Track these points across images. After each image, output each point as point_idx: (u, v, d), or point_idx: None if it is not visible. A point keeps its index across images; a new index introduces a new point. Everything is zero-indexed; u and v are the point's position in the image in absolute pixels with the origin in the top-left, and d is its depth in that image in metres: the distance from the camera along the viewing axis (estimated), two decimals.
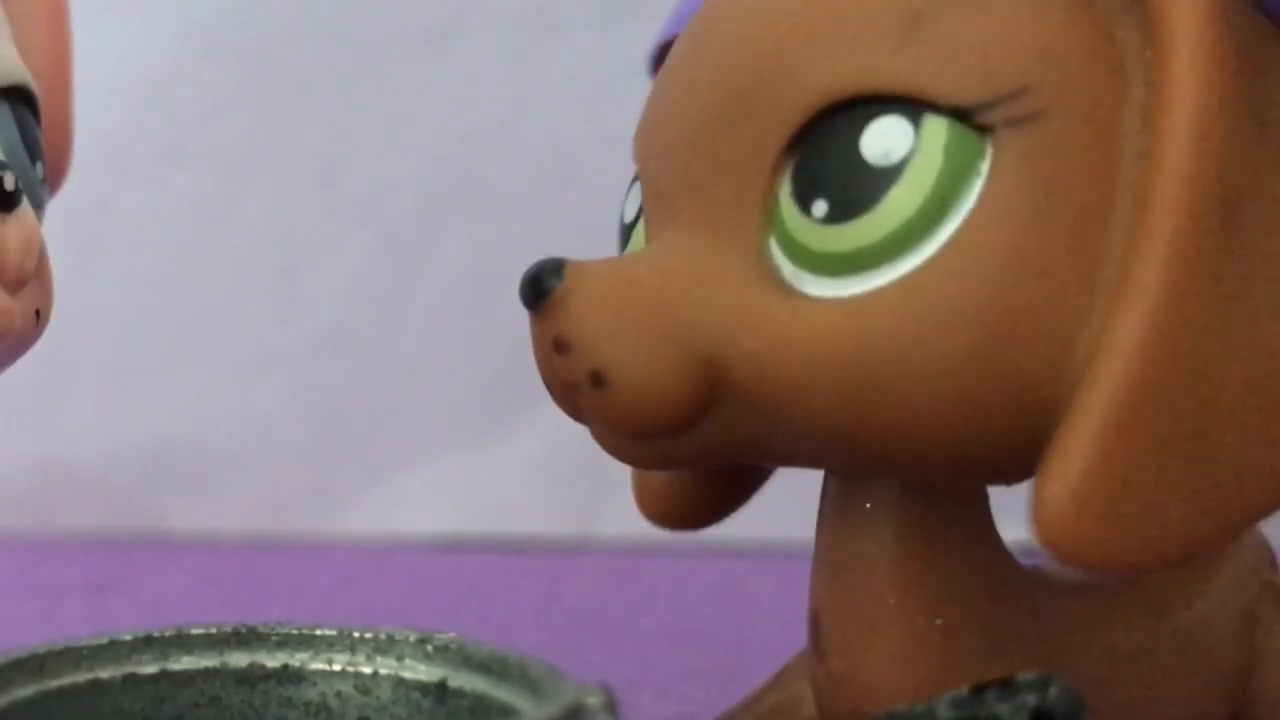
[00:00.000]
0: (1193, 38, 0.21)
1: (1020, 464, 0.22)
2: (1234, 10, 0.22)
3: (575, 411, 0.24)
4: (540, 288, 0.23)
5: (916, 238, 0.22)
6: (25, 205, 0.28)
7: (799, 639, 0.26)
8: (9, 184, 0.27)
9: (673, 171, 0.24)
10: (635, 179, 0.25)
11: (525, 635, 0.43)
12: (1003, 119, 0.22)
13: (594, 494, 0.54)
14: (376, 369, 0.57)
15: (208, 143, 0.56)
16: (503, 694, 0.23)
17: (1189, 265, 0.21)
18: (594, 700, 0.21)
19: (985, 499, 0.25)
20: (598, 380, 0.23)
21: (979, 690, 0.22)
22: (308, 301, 0.57)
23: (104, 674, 0.24)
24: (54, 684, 0.24)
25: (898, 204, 0.22)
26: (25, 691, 0.23)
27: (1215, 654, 0.26)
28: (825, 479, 0.26)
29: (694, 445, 0.24)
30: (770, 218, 0.23)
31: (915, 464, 0.23)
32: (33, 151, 0.29)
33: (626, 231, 0.26)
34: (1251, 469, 0.21)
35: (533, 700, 0.22)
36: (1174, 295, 0.21)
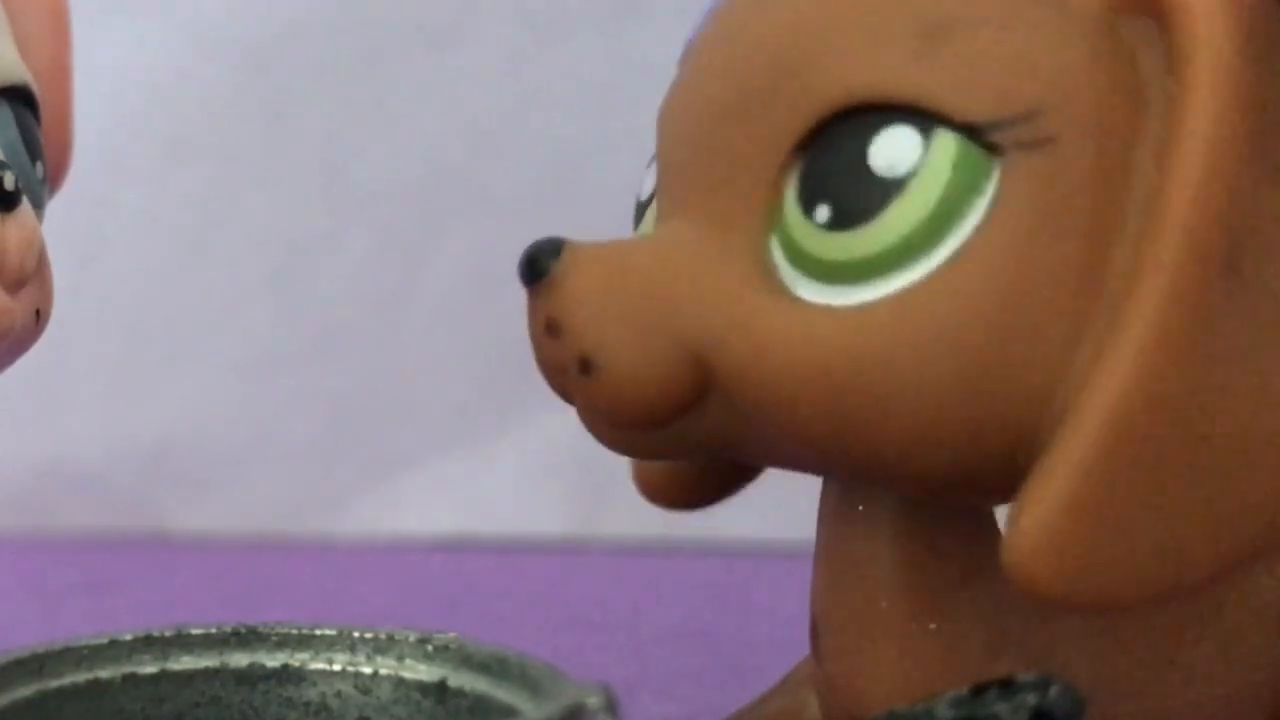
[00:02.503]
0: (1218, 74, 0.21)
1: (1002, 489, 0.22)
2: (1264, 48, 0.21)
3: (565, 394, 0.24)
4: (537, 267, 0.23)
5: (916, 253, 0.22)
6: (25, 205, 0.28)
7: (799, 639, 0.26)
8: (9, 184, 0.27)
9: (685, 159, 0.24)
10: (654, 158, 0.25)
11: (525, 635, 0.43)
12: (1013, 140, 0.22)
13: (594, 494, 0.54)
14: (376, 369, 0.57)
15: (208, 143, 0.56)
16: (503, 694, 0.23)
17: (1185, 309, 0.21)
18: (594, 700, 0.21)
19: None
20: (586, 366, 0.23)
21: (979, 690, 0.22)
22: (308, 301, 0.57)
23: (104, 674, 0.24)
24: (54, 684, 0.24)
25: (900, 217, 0.22)
26: (25, 691, 0.23)
27: (1251, 665, 0.25)
28: (824, 481, 0.26)
29: (679, 439, 0.23)
30: (774, 217, 0.23)
31: (895, 479, 0.23)
32: (33, 151, 0.29)
33: (641, 209, 0.25)
34: (1226, 517, 0.21)
35: (533, 700, 0.22)
36: (1167, 338, 0.21)
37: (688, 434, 0.23)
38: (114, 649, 0.24)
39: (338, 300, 0.57)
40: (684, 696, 0.37)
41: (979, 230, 0.22)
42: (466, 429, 0.56)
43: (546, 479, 0.55)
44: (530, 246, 0.23)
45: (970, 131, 0.22)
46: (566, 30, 0.55)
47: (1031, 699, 0.21)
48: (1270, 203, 0.21)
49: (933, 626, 0.24)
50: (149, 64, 0.56)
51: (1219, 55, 0.21)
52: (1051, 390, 0.21)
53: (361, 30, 0.56)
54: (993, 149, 0.22)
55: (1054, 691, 0.21)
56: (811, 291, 0.22)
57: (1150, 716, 0.25)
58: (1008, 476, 0.22)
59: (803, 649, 0.26)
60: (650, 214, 0.25)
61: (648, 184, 0.25)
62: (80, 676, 0.24)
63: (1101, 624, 0.25)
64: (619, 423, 0.23)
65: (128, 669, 0.24)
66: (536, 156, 0.56)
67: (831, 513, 0.25)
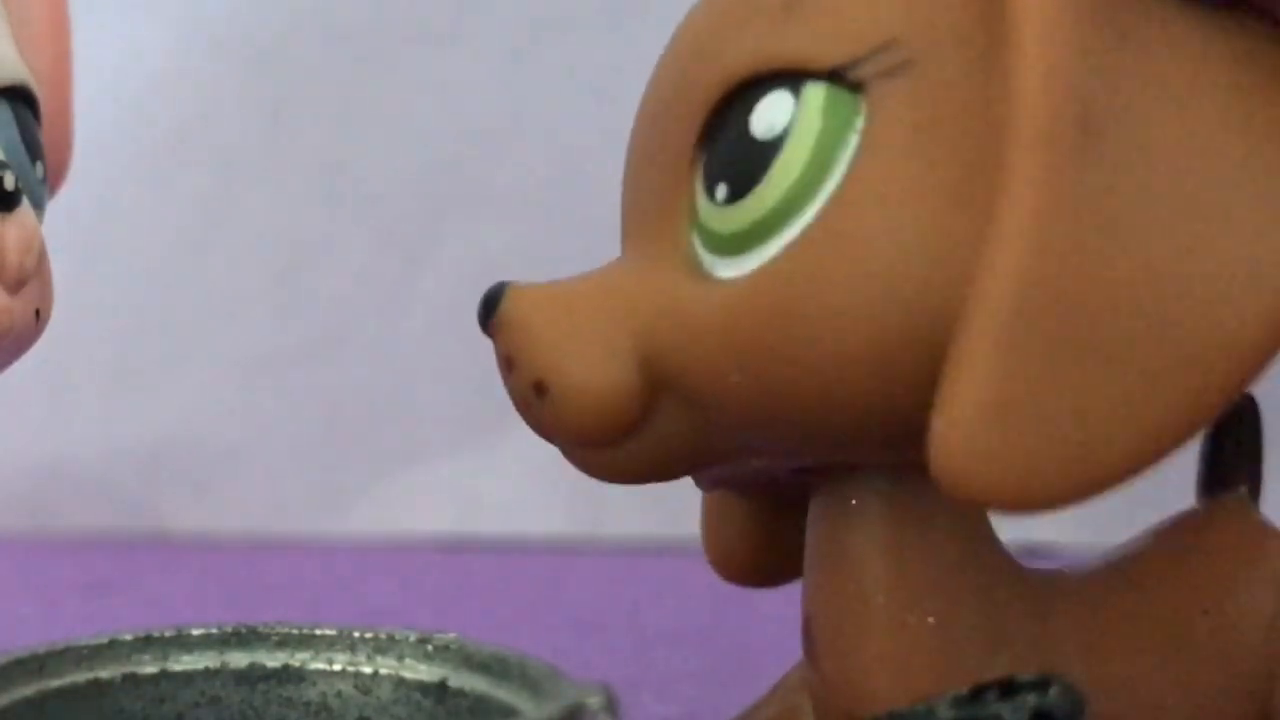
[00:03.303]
0: None
1: None
2: None
3: (537, 428, 0.24)
4: (487, 310, 0.24)
5: (801, 203, 0.22)
6: (25, 205, 0.28)
7: (799, 639, 0.26)
8: (9, 184, 0.27)
9: (627, 196, 0.25)
10: None
11: (525, 635, 0.43)
12: (873, 72, 0.22)
13: (594, 494, 0.54)
14: (376, 369, 0.57)
15: (208, 142, 0.56)
16: (503, 694, 0.23)
17: (1049, 180, 0.21)
18: (594, 700, 0.21)
19: None
20: (540, 390, 0.24)
21: (979, 690, 0.22)
22: (308, 301, 0.57)
23: (104, 674, 0.24)
24: (54, 684, 0.24)
25: (782, 173, 0.22)
26: (25, 691, 0.23)
27: (1239, 662, 0.26)
28: (815, 478, 0.26)
29: (644, 453, 0.24)
30: (691, 213, 0.23)
31: (846, 436, 0.23)
32: (33, 151, 0.29)
33: None
34: (1142, 395, 0.21)
35: (533, 700, 0.22)
36: (1038, 214, 0.21)
37: (649, 446, 0.24)
38: (114, 649, 0.24)
39: (338, 300, 0.57)
40: (684, 696, 0.37)
41: (854, 165, 0.22)
42: (466, 429, 0.56)
43: (546, 479, 0.55)
44: (483, 294, 0.25)
45: (834, 76, 0.22)
46: (566, 30, 0.55)
47: (1032, 699, 0.21)
48: (1126, 66, 0.21)
49: (929, 621, 0.24)
50: (149, 64, 0.56)
51: None
52: (957, 298, 0.21)
53: (361, 30, 0.56)
54: (857, 86, 0.22)
55: (1054, 691, 0.21)
56: (725, 268, 0.23)
57: (1146, 714, 0.25)
58: None
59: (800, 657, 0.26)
60: None
61: None
62: (80, 676, 0.24)
63: (1098, 619, 0.25)
64: (581, 441, 0.24)
65: (128, 669, 0.24)
66: (536, 156, 0.56)
67: (821, 507, 0.25)
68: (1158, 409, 0.21)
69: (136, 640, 0.24)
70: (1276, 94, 0.22)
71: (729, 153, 0.23)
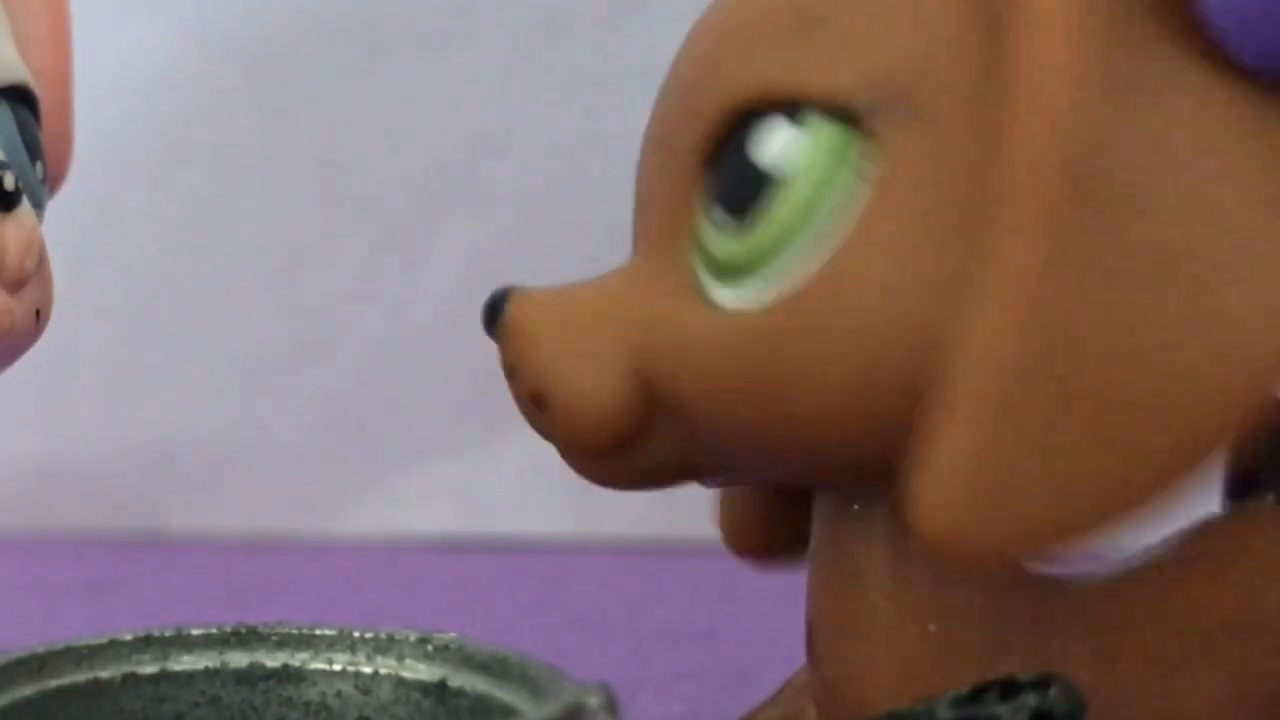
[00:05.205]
0: (1040, 8, 0.21)
1: None
2: None
3: (539, 433, 0.25)
4: (491, 315, 0.25)
5: (797, 239, 0.22)
6: (25, 205, 0.28)
7: (799, 640, 0.26)
8: (9, 184, 0.27)
9: (638, 199, 0.25)
10: None
11: (525, 635, 0.43)
12: (884, 120, 0.22)
13: (594, 494, 0.54)
14: (376, 369, 0.57)
15: (208, 143, 0.56)
16: (503, 694, 0.23)
17: (1040, 237, 0.20)
18: (594, 700, 0.21)
19: None
20: (538, 401, 0.24)
21: (979, 690, 0.22)
22: (308, 301, 0.57)
23: (104, 674, 0.24)
24: (54, 684, 0.24)
25: (780, 206, 0.22)
26: (25, 691, 0.23)
27: (1257, 672, 0.25)
28: (818, 485, 0.26)
29: (642, 463, 0.24)
30: (693, 232, 0.23)
31: (832, 470, 0.23)
32: (33, 151, 0.29)
33: None
34: (1120, 454, 0.21)
35: (533, 700, 0.22)
36: (1026, 274, 0.20)
37: (647, 457, 0.24)
38: (114, 649, 0.24)
39: (338, 300, 0.57)
40: (684, 696, 0.37)
41: (856, 209, 0.22)
42: (466, 429, 0.56)
43: (546, 479, 0.55)
44: (488, 298, 0.25)
45: (843, 114, 0.22)
46: (566, 30, 0.55)
47: (1032, 699, 0.21)
48: (1135, 126, 0.21)
49: (931, 628, 0.24)
50: (149, 64, 0.56)
51: None
52: (942, 354, 0.21)
53: (361, 30, 0.56)
54: (865, 128, 0.22)
55: (1054, 692, 0.21)
56: (723, 294, 0.23)
57: None
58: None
59: (803, 650, 0.26)
60: None
61: None
62: (80, 676, 0.24)
63: (1104, 628, 0.24)
64: (579, 452, 0.24)
65: (128, 669, 0.24)
66: (536, 156, 0.56)
67: (826, 515, 0.25)
68: (1143, 475, 0.21)
69: (136, 640, 0.24)
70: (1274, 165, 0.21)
71: (729, 177, 0.23)
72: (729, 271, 0.23)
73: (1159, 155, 0.21)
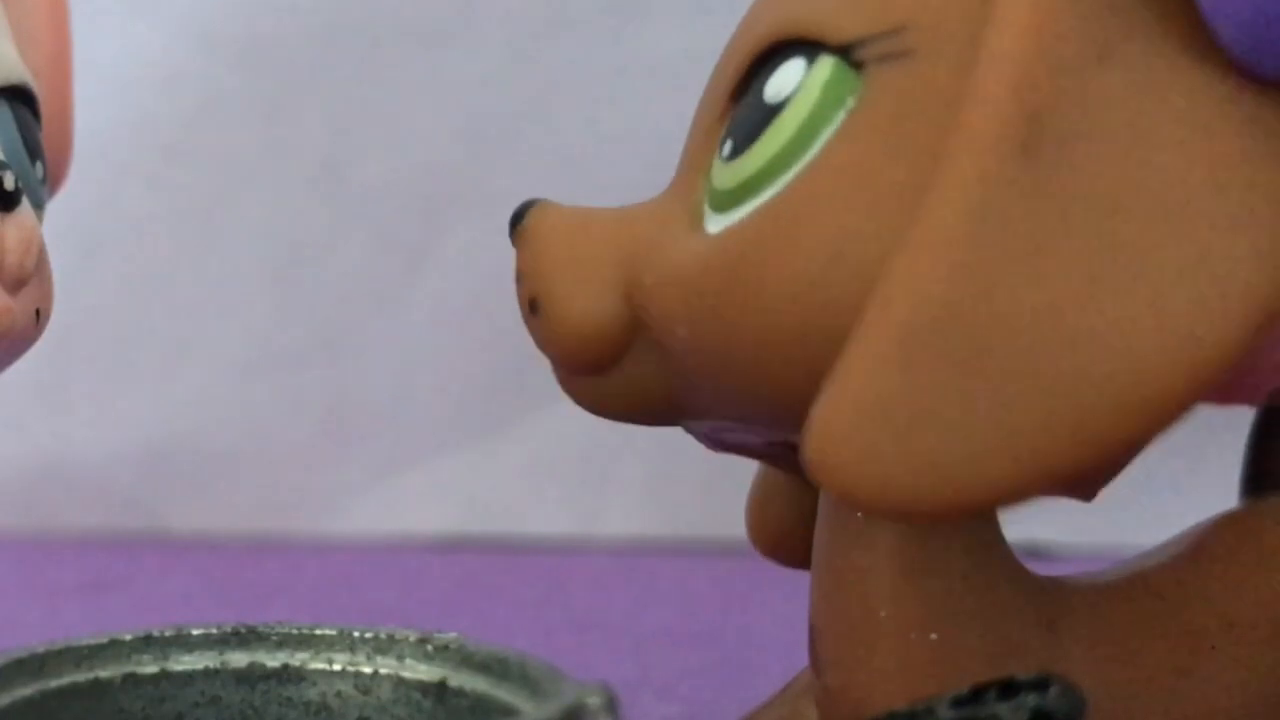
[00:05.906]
0: None
1: None
2: None
3: (535, 341, 0.26)
4: (515, 220, 0.26)
5: (782, 168, 0.23)
6: (25, 205, 0.28)
7: (799, 640, 0.26)
8: (9, 184, 0.27)
9: (689, 133, 0.26)
10: None
11: (525, 635, 0.43)
12: (875, 55, 0.22)
13: (594, 494, 0.54)
14: (376, 369, 0.57)
15: (208, 143, 0.56)
16: (503, 694, 0.23)
17: (974, 194, 0.20)
18: (594, 700, 0.21)
19: None
20: (533, 306, 0.25)
21: (979, 690, 0.22)
22: (308, 301, 0.57)
23: (104, 674, 0.24)
24: (54, 684, 0.24)
25: (774, 136, 0.23)
26: (25, 691, 0.23)
27: (1267, 677, 0.24)
28: (823, 490, 0.25)
29: (623, 387, 0.25)
30: (707, 167, 0.24)
31: (783, 408, 0.23)
32: (33, 151, 0.29)
33: None
34: (1028, 419, 0.20)
35: (533, 700, 0.22)
36: (955, 223, 0.21)
37: (626, 383, 0.25)
38: (114, 649, 0.24)
39: (338, 300, 0.57)
40: (684, 696, 0.37)
41: (832, 140, 0.22)
42: (466, 429, 0.56)
43: (547, 478, 0.55)
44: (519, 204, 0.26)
45: (844, 52, 0.23)
46: (566, 30, 0.55)
47: (1032, 699, 0.21)
48: (1104, 88, 0.21)
49: (933, 636, 0.24)
50: (149, 64, 0.56)
51: None
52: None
53: (361, 30, 0.56)
54: (859, 66, 0.22)
55: (1054, 692, 0.21)
56: (713, 222, 0.24)
57: None
58: None
59: (803, 649, 0.26)
60: None
61: None
62: (80, 676, 0.24)
63: (1112, 632, 0.24)
64: (567, 363, 0.25)
65: (128, 669, 0.24)
66: (536, 156, 0.56)
67: (829, 521, 0.25)
68: (1056, 439, 0.20)
69: (136, 640, 0.24)
70: (1243, 155, 0.21)
71: (742, 113, 0.24)
72: (722, 201, 0.24)
73: (1116, 121, 0.21)
